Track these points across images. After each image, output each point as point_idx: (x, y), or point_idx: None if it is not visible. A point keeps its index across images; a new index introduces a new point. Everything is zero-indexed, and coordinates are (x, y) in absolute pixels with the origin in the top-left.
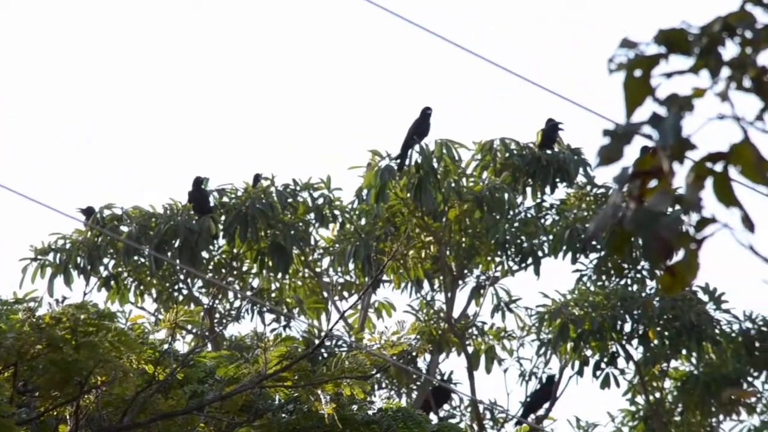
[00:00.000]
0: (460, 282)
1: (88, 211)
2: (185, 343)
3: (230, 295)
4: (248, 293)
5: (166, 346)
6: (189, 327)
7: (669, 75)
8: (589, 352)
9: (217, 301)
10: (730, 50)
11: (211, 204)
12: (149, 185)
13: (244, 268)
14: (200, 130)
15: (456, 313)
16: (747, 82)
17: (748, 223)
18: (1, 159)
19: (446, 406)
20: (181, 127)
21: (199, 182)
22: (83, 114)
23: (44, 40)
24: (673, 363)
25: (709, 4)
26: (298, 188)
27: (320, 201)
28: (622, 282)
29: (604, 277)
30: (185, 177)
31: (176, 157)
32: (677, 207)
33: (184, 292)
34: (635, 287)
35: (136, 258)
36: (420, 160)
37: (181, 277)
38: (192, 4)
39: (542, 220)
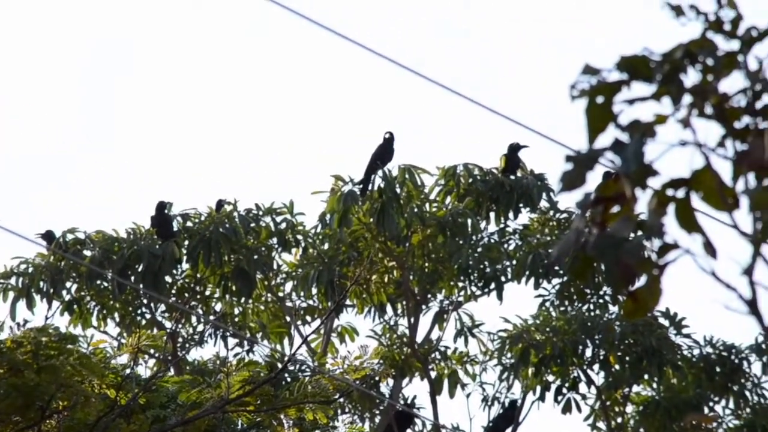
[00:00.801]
0: (423, 307)
1: (48, 236)
2: (148, 367)
3: (193, 319)
4: (211, 318)
5: (128, 371)
6: (151, 351)
7: (631, 102)
8: (550, 377)
9: (180, 326)
10: (691, 77)
11: (175, 228)
12: (112, 210)
13: (208, 293)
14: (163, 155)
15: (419, 338)
16: (708, 109)
17: (710, 249)
18: None
19: (409, 431)
20: (144, 152)
21: (162, 207)
22: (44, 137)
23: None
24: (635, 388)
25: (670, 31)
26: (260, 213)
27: (283, 226)
28: (585, 307)
29: (566, 303)
30: (148, 202)
31: (139, 182)
32: (639, 233)
33: (147, 316)
34: (597, 312)
35: (99, 282)
36: (383, 186)
37: (144, 301)
38: (146, 36)
39: (505, 246)
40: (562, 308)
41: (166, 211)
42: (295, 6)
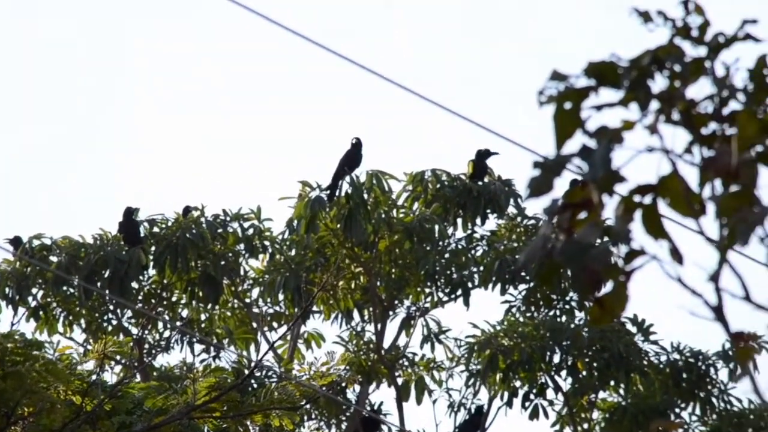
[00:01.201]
0: (390, 313)
1: (16, 241)
2: (114, 373)
3: (160, 325)
4: (178, 324)
5: (94, 377)
6: (118, 357)
7: (599, 108)
8: (518, 383)
9: (146, 332)
10: (659, 83)
11: (142, 234)
12: (79, 216)
13: (174, 299)
14: (130, 161)
15: (386, 344)
16: (675, 115)
17: (677, 255)
18: None
19: None
20: (111, 158)
21: (129, 213)
22: (9, 143)
23: None
24: (602, 394)
25: (637, 37)
26: (228, 219)
27: (250, 231)
28: (551, 313)
29: (533, 308)
30: (115, 208)
31: (106, 188)
32: (606, 239)
33: (114, 322)
34: (564, 318)
35: (65, 288)
36: (350, 192)
37: (111, 307)
38: (108, 42)
39: (472, 252)
40: (528, 314)
41: (133, 217)
42: (267, 12)
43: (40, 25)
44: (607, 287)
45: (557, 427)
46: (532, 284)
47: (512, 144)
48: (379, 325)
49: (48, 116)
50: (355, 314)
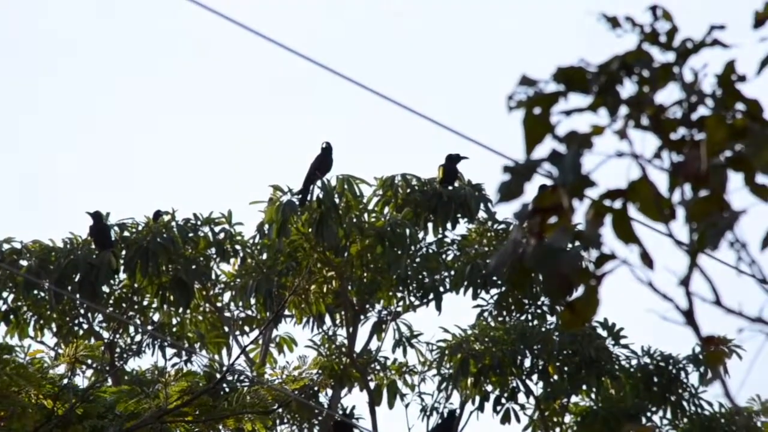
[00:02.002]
0: (362, 317)
1: None
2: (85, 377)
3: (131, 329)
4: (149, 328)
5: (65, 381)
6: (89, 361)
7: (568, 113)
8: (489, 387)
9: (117, 336)
10: (628, 89)
11: (112, 238)
12: (48, 220)
13: (145, 303)
14: (101, 165)
15: (358, 348)
16: (645, 121)
17: (647, 260)
18: None
19: None
20: (82, 162)
21: (99, 216)
22: None
23: None
24: (573, 398)
25: (605, 43)
26: (199, 223)
27: (221, 236)
28: (523, 317)
29: (504, 313)
30: (85, 212)
31: (76, 191)
32: (577, 243)
33: (85, 326)
34: (535, 322)
35: (35, 292)
36: (322, 196)
37: (82, 311)
38: (70, 43)
39: (443, 256)
40: (500, 318)
41: (103, 221)
42: (236, 16)
43: None
44: (578, 291)
45: (529, 431)
46: (503, 288)
47: (482, 148)
48: (350, 329)
49: (11, 118)
50: (327, 318)
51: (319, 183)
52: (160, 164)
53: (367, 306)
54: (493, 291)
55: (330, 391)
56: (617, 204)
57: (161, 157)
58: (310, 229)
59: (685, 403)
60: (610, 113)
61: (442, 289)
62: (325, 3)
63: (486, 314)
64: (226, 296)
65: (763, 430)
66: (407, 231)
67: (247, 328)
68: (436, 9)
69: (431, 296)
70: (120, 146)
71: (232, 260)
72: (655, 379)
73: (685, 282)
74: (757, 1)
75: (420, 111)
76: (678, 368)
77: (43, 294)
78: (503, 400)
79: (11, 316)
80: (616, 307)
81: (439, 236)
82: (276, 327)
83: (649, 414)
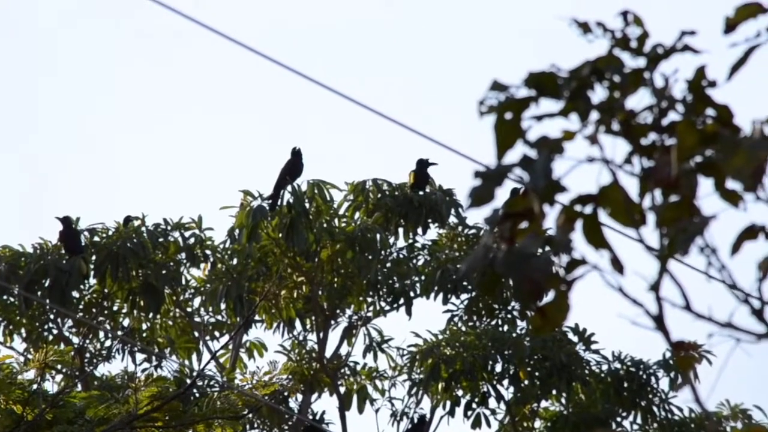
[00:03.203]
0: (332, 322)
1: None
2: (55, 383)
3: (101, 334)
4: (119, 333)
5: (35, 386)
6: (59, 367)
7: (539, 118)
8: (460, 392)
9: (87, 341)
10: (598, 94)
11: (82, 244)
12: (19, 225)
13: (115, 308)
14: (71, 170)
15: (328, 353)
16: (615, 126)
17: (618, 265)
18: None
19: None
20: (51, 167)
21: (69, 222)
22: None
23: None
24: (544, 403)
25: (577, 49)
26: (169, 228)
27: (192, 241)
28: (493, 322)
29: (475, 318)
30: (55, 216)
31: (45, 197)
32: (548, 248)
33: (54, 331)
34: (506, 328)
35: (5, 297)
36: (292, 201)
37: (51, 316)
38: (35, 49)
39: (414, 261)
40: (470, 324)
41: (73, 226)
42: (205, 20)
43: None
44: (549, 297)
45: None
46: (473, 294)
47: (453, 153)
48: (321, 334)
49: None
50: (297, 323)
51: (289, 188)
52: (131, 169)
53: (338, 311)
54: (464, 296)
55: (300, 396)
56: (588, 209)
57: (131, 162)
58: (280, 234)
59: (655, 408)
60: (581, 118)
61: (412, 294)
62: (295, 6)
63: (456, 319)
64: (197, 301)
65: None
66: (378, 236)
67: (217, 333)
68: (408, 13)
69: (402, 301)
70: (88, 152)
71: (202, 265)
72: (626, 385)
73: (655, 287)
74: (728, 7)
75: (392, 116)
76: (648, 373)
77: (12, 299)
78: (474, 405)
79: None
80: (587, 312)
81: (410, 241)
82: (246, 332)
83: (619, 419)
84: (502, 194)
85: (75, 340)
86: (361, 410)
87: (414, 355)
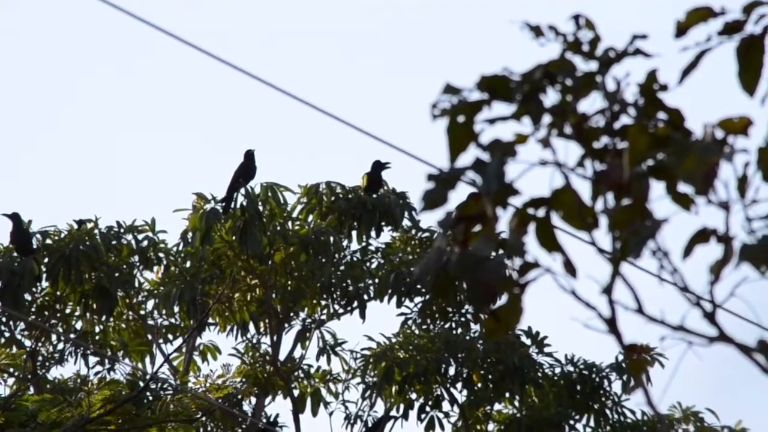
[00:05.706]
0: (286, 325)
1: None
2: (7, 386)
3: (53, 337)
4: (72, 336)
5: None
6: (11, 370)
7: (492, 121)
8: (413, 395)
9: (39, 344)
10: (551, 98)
11: (34, 246)
12: None
13: (68, 311)
14: (25, 172)
15: (282, 356)
16: (568, 129)
17: (570, 268)
18: None
19: None
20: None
21: (18, 218)
22: None
23: None
24: (497, 406)
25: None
26: (122, 230)
27: (145, 243)
28: (447, 325)
29: (429, 321)
30: (2, 214)
31: None
32: (501, 252)
33: (6, 334)
34: (459, 331)
35: None
36: (245, 203)
37: (3, 319)
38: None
39: (368, 264)
40: (424, 327)
41: (23, 226)
42: (156, 21)
43: None
44: (502, 300)
45: None
46: (427, 297)
47: (407, 156)
48: (275, 337)
49: None
50: (251, 326)
51: (243, 190)
52: (83, 172)
53: (291, 314)
54: (418, 299)
55: (254, 400)
56: (541, 212)
57: (83, 164)
58: (233, 237)
59: (608, 411)
60: (533, 122)
61: (366, 297)
62: (243, 7)
63: (410, 322)
64: (150, 304)
65: None
66: (331, 239)
67: (170, 336)
68: (363, 15)
69: (355, 304)
70: (41, 153)
71: (155, 268)
72: (579, 387)
73: (607, 290)
74: (679, 11)
75: (345, 118)
76: (601, 376)
77: None
78: (427, 408)
79: None
80: (540, 315)
81: (363, 244)
82: (200, 335)
83: (572, 422)
84: (455, 197)
85: (27, 343)
86: (315, 413)
87: (368, 359)
